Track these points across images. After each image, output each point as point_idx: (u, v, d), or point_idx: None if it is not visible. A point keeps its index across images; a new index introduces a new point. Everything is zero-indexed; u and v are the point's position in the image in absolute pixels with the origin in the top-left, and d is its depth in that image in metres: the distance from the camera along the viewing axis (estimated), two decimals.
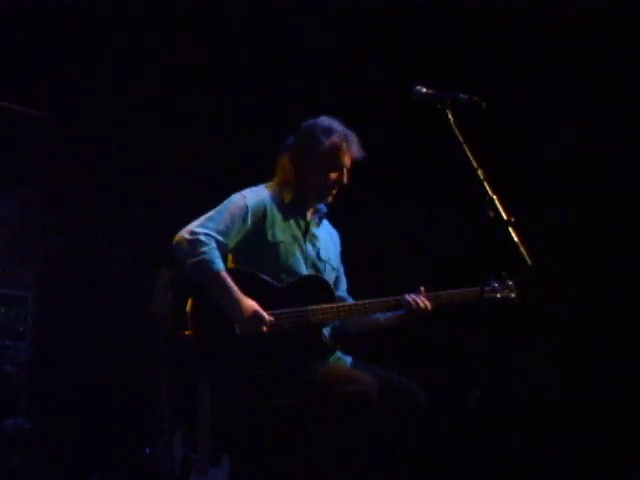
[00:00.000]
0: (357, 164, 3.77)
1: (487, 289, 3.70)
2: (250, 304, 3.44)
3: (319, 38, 5.09)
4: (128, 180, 5.12)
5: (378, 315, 3.75)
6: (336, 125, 3.72)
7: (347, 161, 3.70)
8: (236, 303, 3.44)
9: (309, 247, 3.74)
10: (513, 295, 3.82)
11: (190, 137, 5.18)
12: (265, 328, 3.42)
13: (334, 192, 3.75)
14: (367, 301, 3.64)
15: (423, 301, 3.65)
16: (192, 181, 5.05)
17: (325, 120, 3.75)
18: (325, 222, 3.90)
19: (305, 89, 5.02)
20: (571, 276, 4.96)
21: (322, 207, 3.83)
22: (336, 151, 3.67)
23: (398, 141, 5.18)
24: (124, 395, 4.74)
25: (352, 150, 3.68)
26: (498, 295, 3.80)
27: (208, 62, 5.08)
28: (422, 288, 3.67)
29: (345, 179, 3.72)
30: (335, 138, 3.67)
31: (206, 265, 3.47)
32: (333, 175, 3.70)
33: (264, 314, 3.44)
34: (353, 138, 3.70)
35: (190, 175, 5.06)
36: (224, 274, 3.48)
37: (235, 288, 3.45)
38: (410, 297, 3.65)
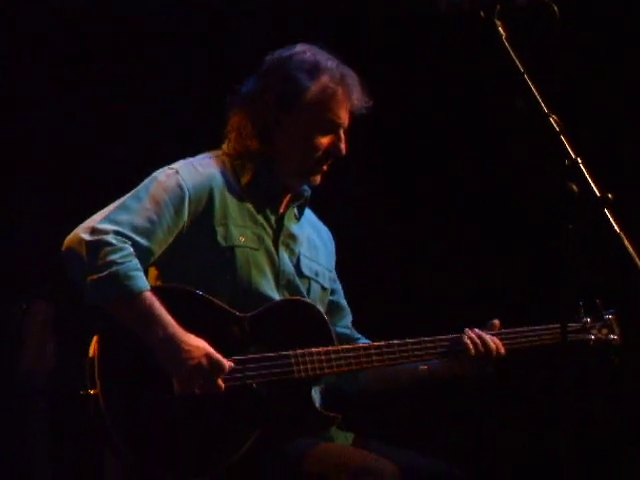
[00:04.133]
0: (358, 120, 3.06)
1: (572, 327, 3.13)
2: (197, 344, 2.77)
3: None
4: None
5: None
6: (324, 59, 2.99)
7: (343, 115, 3.01)
8: (173, 342, 2.74)
9: (283, 255, 3.05)
10: (614, 337, 3.19)
11: None
12: (222, 383, 2.75)
13: (325, 166, 3.04)
14: (399, 342, 2.96)
15: (494, 341, 3.00)
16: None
17: (306, 51, 3.01)
18: (308, 214, 3.19)
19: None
20: None
21: (303, 189, 3.11)
22: (329, 100, 2.97)
23: (419, 80, 4.46)
24: None
25: (353, 98, 2.98)
26: (591, 337, 3.17)
27: None
28: (496, 321, 3.06)
29: (342, 145, 3.01)
30: (326, 79, 2.96)
31: (119, 282, 2.77)
32: (324, 139, 2.99)
33: (222, 360, 2.76)
34: (353, 78, 2.99)
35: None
36: (149, 296, 2.78)
37: (169, 318, 2.76)
38: (472, 334, 2.99)
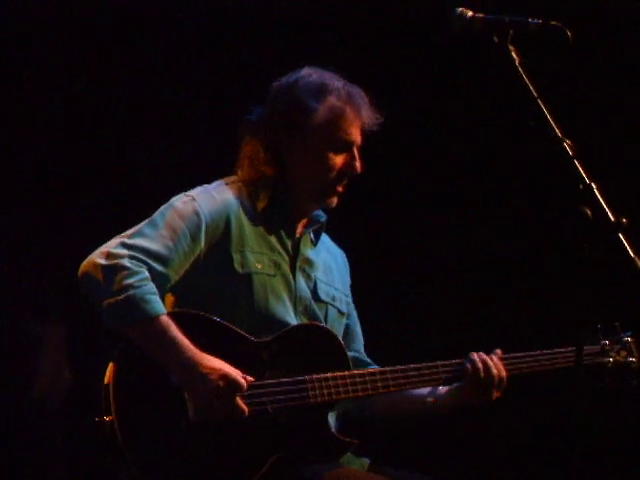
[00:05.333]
0: (370, 138, 3.01)
1: (588, 351, 3.06)
2: (214, 365, 2.71)
3: None
4: None
5: (420, 391, 3.02)
6: (331, 79, 2.95)
7: (355, 133, 2.95)
8: (190, 364, 2.70)
9: (300, 281, 3.00)
10: (634, 360, 3.13)
11: None
12: (243, 405, 2.71)
13: (341, 187, 2.99)
14: (403, 367, 2.92)
15: (496, 365, 2.93)
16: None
17: (312, 74, 2.96)
18: (325, 239, 3.14)
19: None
20: None
21: (319, 215, 3.07)
22: (338, 119, 2.92)
23: (431, 100, 4.38)
24: None
25: (362, 113, 2.93)
26: (609, 360, 3.10)
27: None
28: (498, 351, 2.99)
29: (357, 163, 2.95)
30: (333, 99, 2.91)
31: (135, 306, 2.72)
32: (338, 159, 2.94)
33: (239, 378, 2.71)
34: (361, 96, 2.94)
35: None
36: (165, 320, 2.74)
37: (186, 341, 2.72)
38: (476, 357, 2.93)
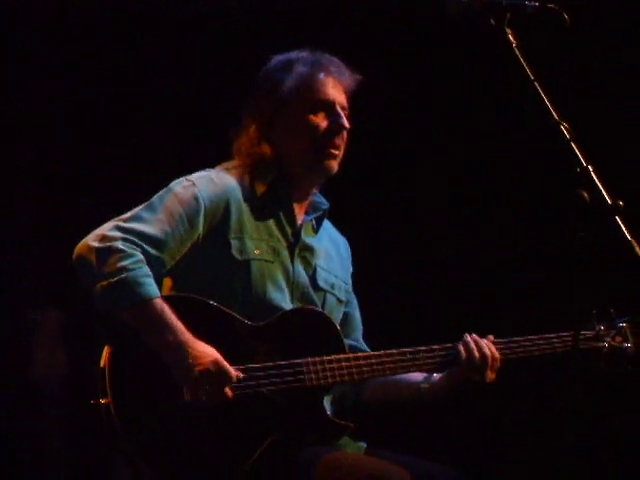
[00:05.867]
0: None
1: (585, 335, 3.06)
2: (206, 351, 2.70)
3: None
4: None
5: (415, 376, 3.02)
6: (295, 53, 3.00)
7: (332, 92, 2.96)
8: (182, 348, 2.67)
9: (298, 268, 2.98)
10: (629, 345, 3.13)
11: None
12: (230, 391, 2.69)
13: (333, 149, 2.95)
14: (397, 351, 2.91)
15: (489, 347, 2.92)
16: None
17: (281, 55, 3.03)
18: (327, 225, 3.13)
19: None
20: None
21: (321, 202, 3.06)
22: (308, 81, 2.95)
23: (425, 86, 4.34)
24: None
25: (334, 74, 2.96)
26: (604, 345, 3.10)
27: None
28: (490, 336, 2.98)
29: (341, 119, 2.94)
30: (299, 66, 2.96)
31: (129, 288, 2.70)
32: (319, 119, 2.94)
33: (229, 368, 2.69)
34: (329, 58, 2.98)
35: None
36: (159, 303, 2.71)
37: (180, 325, 2.70)
38: (468, 340, 2.92)
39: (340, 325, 3.02)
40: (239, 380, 2.73)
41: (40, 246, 3.64)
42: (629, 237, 2.22)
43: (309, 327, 2.89)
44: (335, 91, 2.94)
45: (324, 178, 2.98)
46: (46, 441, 3.50)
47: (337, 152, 2.94)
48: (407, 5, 4.17)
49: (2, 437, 4.09)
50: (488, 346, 2.92)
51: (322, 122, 2.93)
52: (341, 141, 2.93)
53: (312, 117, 2.93)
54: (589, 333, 3.09)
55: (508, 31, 2.41)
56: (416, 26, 4.19)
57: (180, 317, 2.74)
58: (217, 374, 2.69)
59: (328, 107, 2.93)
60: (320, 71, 2.93)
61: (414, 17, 4.14)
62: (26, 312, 3.44)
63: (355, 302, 3.18)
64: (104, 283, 2.70)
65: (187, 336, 2.70)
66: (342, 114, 2.94)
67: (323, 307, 3.02)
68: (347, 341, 3.03)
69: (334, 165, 2.95)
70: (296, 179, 2.97)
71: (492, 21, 2.42)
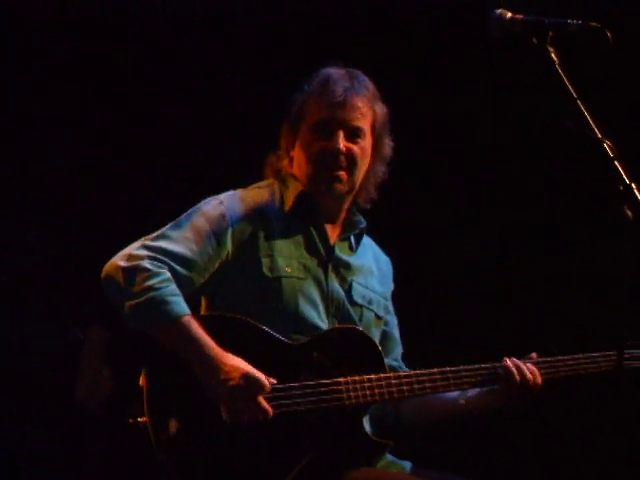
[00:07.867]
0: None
1: (629, 354, 3.00)
2: (236, 364, 2.65)
3: None
4: None
5: (454, 394, 2.96)
6: (325, 71, 2.92)
7: (330, 112, 2.86)
8: (212, 364, 2.64)
9: (333, 283, 2.94)
10: None
11: None
12: (266, 403, 2.64)
13: (332, 170, 2.87)
14: (438, 370, 2.87)
15: (531, 371, 2.86)
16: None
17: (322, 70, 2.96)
18: (368, 243, 3.08)
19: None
20: None
21: (358, 221, 3.00)
22: (307, 103, 2.90)
23: (465, 101, 4.28)
24: None
25: (338, 92, 2.84)
26: None
27: None
28: (534, 354, 2.94)
29: (336, 142, 2.85)
30: (306, 87, 2.92)
31: (155, 307, 2.68)
32: (317, 140, 2.89)
33: (260, 376, 2.64)
34: (340, 76, 2.89)
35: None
36: (187, 320, 2.69)
37: (209, 340, 2.66)
38: (510, 363, 2.87)
39: (379, 344, 2.97)
40: (273, 389, 2.66)
41: (86, 263, 3.65)
42: None
43: (349, 346, 2.85)
44: (338, 109, 2.87)
45: (334, 199, 2.93)
46: (89, 460, 3.50)
47: (338, 173, 2.88)
48: (449, 22, 4.14)
49: (44, 454, 4.09)
50: (531, 370, 2.88)
51: (320, 143, 2.89)
52: (343, 161, 2.88)
53: (313, 139, 2.90)
54: (637, 352, 3.02)
55: (551, 49, 2.39)
56: (454, 40, 4.15)
57: (219, 337, 2.71)
58: (248, 388, 2.65)
59: (326, 127, 2.88)
60: (321, 90, 2.88)
61: (453, 31, 4.11)
62: (71, 331, 3.45)
63: (395, 321, 3.14)
64: (132, 303, 2.70)
65: (216, 351, 2.67)
66: (341, 136, 2.88)
67: (360, 322, 2.97)
68: (388, 361, 2.99)
69: (337, 186, 2.90)
70: (317, 198, 2.94)
71: (534, 40, 2.40)
